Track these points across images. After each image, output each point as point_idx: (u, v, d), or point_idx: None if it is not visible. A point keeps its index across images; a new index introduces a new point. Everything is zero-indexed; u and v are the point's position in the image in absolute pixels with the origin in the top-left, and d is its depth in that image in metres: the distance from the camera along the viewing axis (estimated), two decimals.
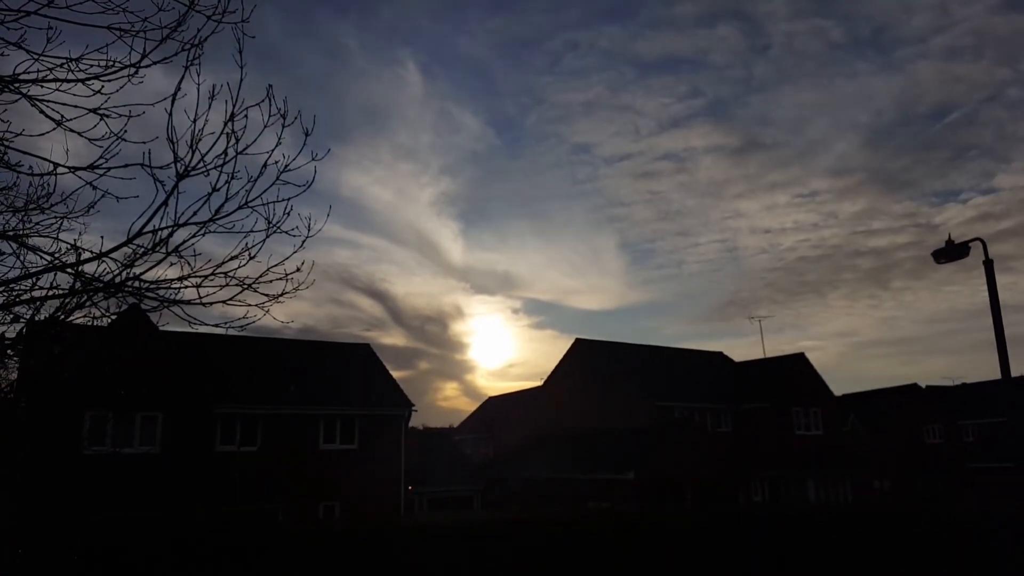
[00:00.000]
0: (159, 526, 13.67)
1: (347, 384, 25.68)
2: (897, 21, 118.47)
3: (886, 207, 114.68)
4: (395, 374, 28.10)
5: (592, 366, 34.91)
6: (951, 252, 13.38)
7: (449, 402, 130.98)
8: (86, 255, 4.21)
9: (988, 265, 12.81)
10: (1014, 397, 14.48)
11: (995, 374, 36.90)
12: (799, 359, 35.82)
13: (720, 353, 41.25)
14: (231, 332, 4.82)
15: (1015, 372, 13.17)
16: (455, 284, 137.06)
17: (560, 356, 37.62)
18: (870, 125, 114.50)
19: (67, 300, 4.71)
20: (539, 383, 40.17)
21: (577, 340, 36.87)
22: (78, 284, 4.37)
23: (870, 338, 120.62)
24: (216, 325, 4.78)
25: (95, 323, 5.21)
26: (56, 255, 4.39)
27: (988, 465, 36.60)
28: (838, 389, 46.78)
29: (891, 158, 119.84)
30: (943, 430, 41.51)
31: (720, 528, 13.43)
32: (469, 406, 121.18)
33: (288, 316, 26.96)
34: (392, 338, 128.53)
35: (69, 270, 4.24)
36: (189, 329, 4.79)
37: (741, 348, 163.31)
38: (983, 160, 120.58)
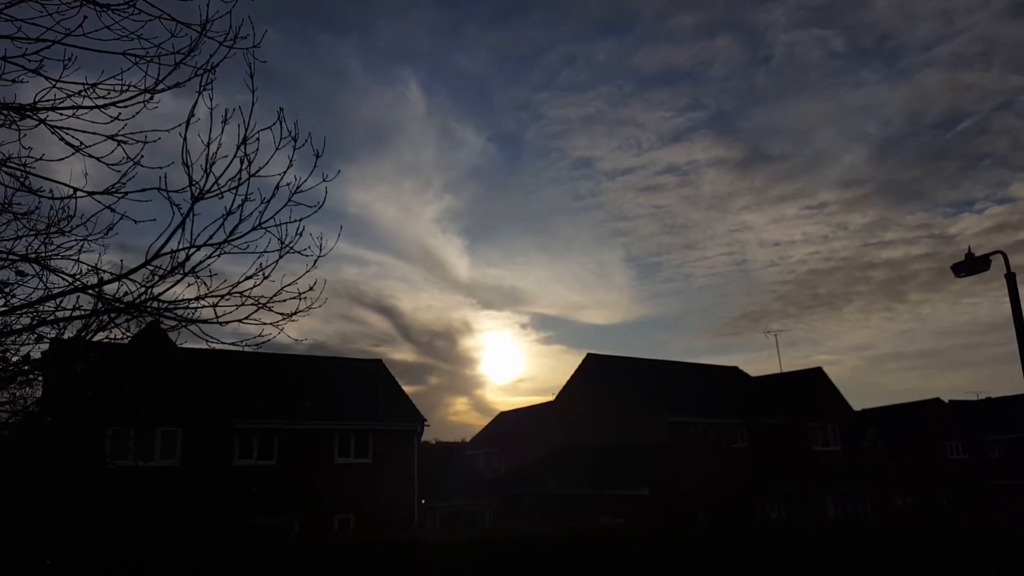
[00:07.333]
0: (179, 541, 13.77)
1: (361, 399, 25.86)
2: (900, 30, 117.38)
3: (898, 218, 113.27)
4: (406, 389, 28.20)
5: (604, 381, 34.65)
6: (971, 265, 13.25)
7: (460, 417, 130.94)
8: (107, 276, 4.32)
9: (1010, 278, 12.66)
10: None
11: (1020, 388, 36.12)
12: (816, 373, 35.42)
13: (735, 368, 40.88)
14: (247, 349, 4.89)
15: None
16: (462, 300, 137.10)
17: (569, 371, 37.39)
18: (878, 135, 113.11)
19: (90, 320, 4.82)
20: (549, 398, 40.00)
21: (589, 355, 36.61)
22: (100, 305, 4.48)
23: (887, 351, 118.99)
24: (232, 343, 4.85)
25: (116, 342, 5.31)
26: (77, 276, 4.50)
27: (1015, 482, 35.76)
28: (856, 404, 46.08)
29: (901, 168, 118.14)
30: (967, 446, 40.72)
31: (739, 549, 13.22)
32: (480, 421, 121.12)
33: (300, 333, 27.25)
34: (401, 353, 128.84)
35: (91, 291, 4.34)
36: (205, 347, 4.85)
37: (755, 363, 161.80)
38: (997, 169, 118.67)
